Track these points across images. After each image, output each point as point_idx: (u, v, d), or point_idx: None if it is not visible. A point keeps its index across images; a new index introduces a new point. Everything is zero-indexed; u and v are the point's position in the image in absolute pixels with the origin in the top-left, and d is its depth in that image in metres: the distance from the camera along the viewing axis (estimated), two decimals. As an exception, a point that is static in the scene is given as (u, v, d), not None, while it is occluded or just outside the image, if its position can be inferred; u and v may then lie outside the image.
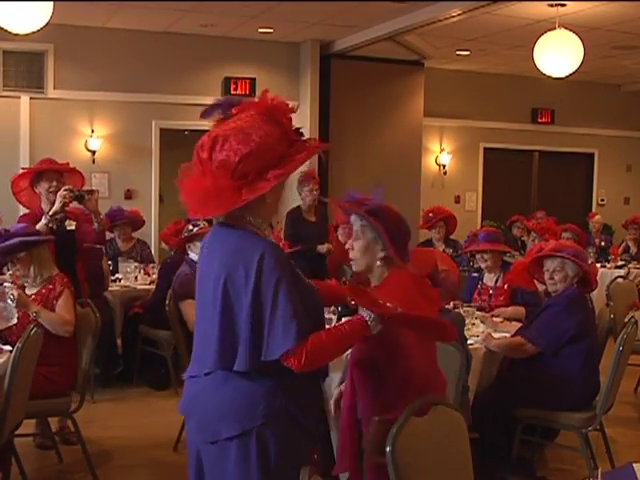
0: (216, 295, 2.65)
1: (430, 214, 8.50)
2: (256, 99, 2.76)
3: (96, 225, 5.76)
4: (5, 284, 4.82)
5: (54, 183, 5.62)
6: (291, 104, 2.75)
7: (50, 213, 5.45)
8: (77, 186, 5.71)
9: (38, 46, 9.62)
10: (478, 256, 6.22)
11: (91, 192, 5.71)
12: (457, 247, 8.27)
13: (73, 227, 5.66)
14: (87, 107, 10.10)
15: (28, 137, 9.84)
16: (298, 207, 8.10)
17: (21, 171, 5.84)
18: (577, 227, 9.68)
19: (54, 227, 5.47)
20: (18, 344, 4.08)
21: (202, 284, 2.78)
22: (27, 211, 5.95)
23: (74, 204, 5.64)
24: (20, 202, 5.88)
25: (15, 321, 4.62)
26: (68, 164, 5.91)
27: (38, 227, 5.35)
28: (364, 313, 2.76)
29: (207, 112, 2.77)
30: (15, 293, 4.62)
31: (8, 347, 4.39)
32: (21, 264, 4.92)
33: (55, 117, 9.96)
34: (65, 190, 5.48)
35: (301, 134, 2.73)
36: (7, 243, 4.82)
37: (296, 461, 2.76)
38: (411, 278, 3.19)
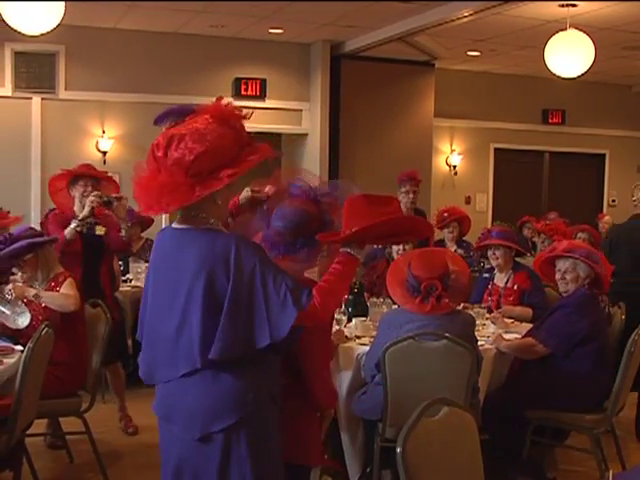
0: (193, 295, 2.73)
1: (445, 214, 8.47)
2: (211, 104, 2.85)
3: (123, 232, 5.82)
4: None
5: (89, 188, 5.71)
6: (244, 111, 2.83)
7: (80, 217, 5.56)
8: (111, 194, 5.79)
9: (49, 47, 9.66)
10: (490, 252, 6.16)
11: (119, 199, 5.75)
12: (469, 248, 8.23)
13: (102, 232, 5.76)
14: (98, 108, 10.13)
15: (39, 138, 9.87)
16: None
17: (59, 172, 5.92)
18: (592, 228, 9.64)
19: (83, 231, 5.59)
20: (29, 344, 4.09)
21: (163, 287, 2.85)
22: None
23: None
24: (55, 202, 5.98)
25: (29, 318, 4.64)
26: (106, 173, 5.99)
27: (66, 231, 5.49)
28: (344, 248, 2.93)
29: (160, 118, 2.89)
30: (10, 286, 4.67)
31: (19, 347, 4.41)
32: (28, 266, 4.93)
33: (66, 118, 9.99)
34: (94, 195, 5.58)
35: (252, 139, 2.82)
36: (15, 246, 4.81)
37: (278, 445, 2.89)
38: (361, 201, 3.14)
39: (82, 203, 5.66)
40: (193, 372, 2.75)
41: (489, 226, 12.07)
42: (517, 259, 6.29)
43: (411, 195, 7.39)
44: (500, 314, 5.57)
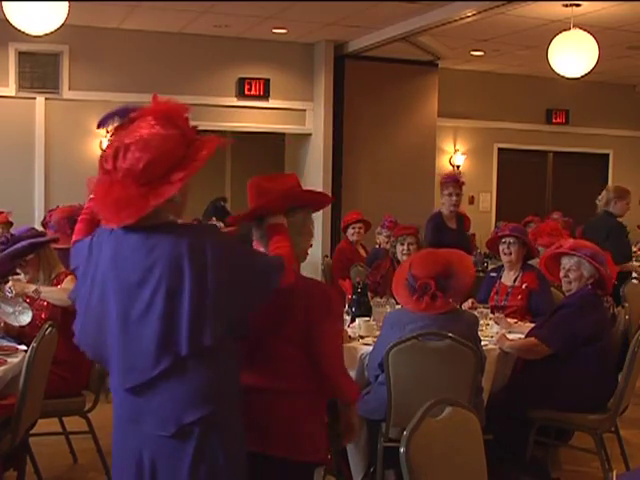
0: (174, 292, 2.67)
1: None
2: (149, 105, 2.82)
3: None
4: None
5: None
6: (186, 105, 2.80)
7: None
8: None
9: (53, 47, 9.67)
10: (504, 247, 6.12)
11: (183, 195, 5.83)
12: (470, 247, 8.22)
13: None
14: (102, 108, 9.91)
15: (43, 138, 9.88)
16: (439, 213, 7.48)
17: None
18: None
19: None
20: (33, 344, 4.10)
21: (123, 292, 2.74)
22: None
23: None
24: None
25: (30, 315, 4.64)
26: None
27: None
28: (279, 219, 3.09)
29: (103, 121, 2.93)
30: (11, 283, 4.67)
31: (23, 347, 4.42)
32: (30, 267, 4.94)
33: (70, 118, 10.00)
34: None
35: (198, 134, 2.80)
36: (17, 246, 4.81)
37: (243, 441, 2.90)
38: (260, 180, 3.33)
39: None
40: (166, 370, 2.71)
41: (492, 226, 12.13)
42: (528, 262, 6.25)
43: (454, 197, 7.30)
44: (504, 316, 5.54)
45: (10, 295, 4.68)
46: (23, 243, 4.83)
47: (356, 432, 3.42)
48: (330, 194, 10.76)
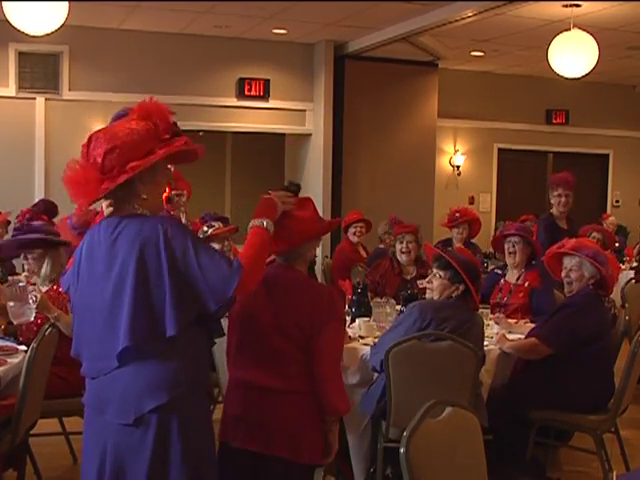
0: (124, 278, 2.75)
1: (457, 214, 8.42)
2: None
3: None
4: (21, 284, 4.83)
5: None
6: (170, 107, 2.98)
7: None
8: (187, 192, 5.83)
9: (53, 47, 9.67)
10: (508, 246, 6.10)
11: (180, 195, 5.81)
12: (475, 250, 8.20)
13: None
14: (102, 108, 10.10)
15: (43, 138, 9.88)
16: (550, 214, 7.32)
17: None
18: (603, 228, 9.64)
19: None
20: (33, 344, 4.10)
21: (92, 281, 2.86)
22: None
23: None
24: None
25: (32, 319, 4.63)
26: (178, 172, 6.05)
27: None
28: (256, 222, 3.00)
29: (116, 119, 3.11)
30: (38, 295, 4.63)
31: (23, 347, 4.41)
32: (34, 260, 4.94)
33: (70, 118, 9.99)
34: None
35: (178, 134, 2.94)
36: (27, 236, 4.84)
37: (209, 430, 2.93)
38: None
39: None
40: (126, 359, 2.76)
41: (493, 227, 12.13)
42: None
43: (563, 199, 7.18)
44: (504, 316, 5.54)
45: (31, 301, 4.62)
46: (34, 235, 4.84)
47: (333, 451, 3.38)
48: (330, 194, 10.81)
